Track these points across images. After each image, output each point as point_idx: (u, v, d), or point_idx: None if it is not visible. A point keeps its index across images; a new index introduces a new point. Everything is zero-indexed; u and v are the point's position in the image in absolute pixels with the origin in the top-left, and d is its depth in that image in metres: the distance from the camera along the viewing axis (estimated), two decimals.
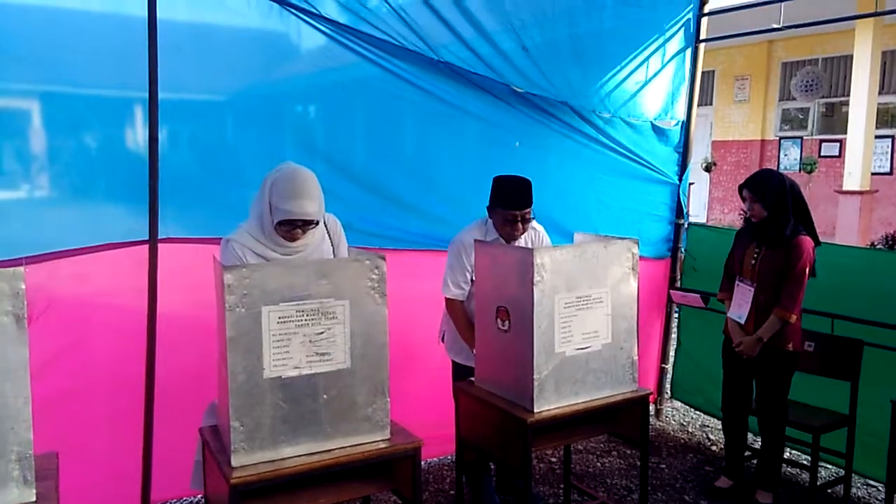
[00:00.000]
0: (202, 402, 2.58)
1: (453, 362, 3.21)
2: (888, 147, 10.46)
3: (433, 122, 3.55)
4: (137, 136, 2.90)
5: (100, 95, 2.85)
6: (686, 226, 4.35)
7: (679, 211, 4.32)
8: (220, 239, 2.48)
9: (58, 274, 2.78)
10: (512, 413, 2.57)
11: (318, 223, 2.44)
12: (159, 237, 2.85)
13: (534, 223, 3.12)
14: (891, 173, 10.49)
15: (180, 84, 2.90)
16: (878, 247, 7.81)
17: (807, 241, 3.14)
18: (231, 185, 3.06)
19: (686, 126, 4.27)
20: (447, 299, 3.12)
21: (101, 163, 2.89)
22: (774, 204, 3.13)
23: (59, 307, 2.78)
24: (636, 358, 2.77)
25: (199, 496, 3.07)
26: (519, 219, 2.94)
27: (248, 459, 2.06)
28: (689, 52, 4.22)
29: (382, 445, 2.22)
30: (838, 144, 11.21)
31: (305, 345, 2.11)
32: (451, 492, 3.40)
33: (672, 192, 4.30)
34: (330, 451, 2.17)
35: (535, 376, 2.52)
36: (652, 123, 4.14)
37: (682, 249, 4.37)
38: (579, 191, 3.99)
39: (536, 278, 2.48)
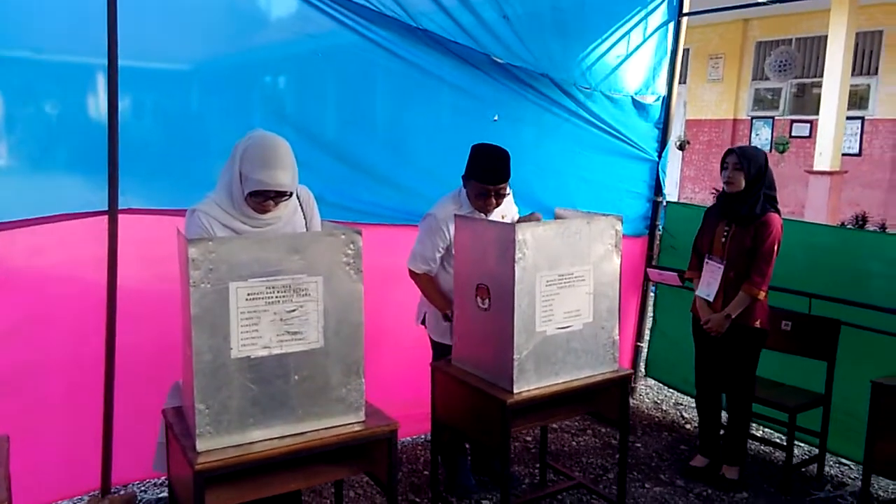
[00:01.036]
0: (165, 381, 2.47)
1: (434, 343, 3.11)
2: (857, 128, 10.56)
3: (410, 92, 3.43)
4: (99, 104, 2.73)
5: (60, 61, 2.69)
6: (664, 203, 4.30)
7: (658, 188, 4.27)
8: (185, 210, 2.34)
9: (13, 244, 2.64)
10: (491, 394, 2.49)
11: (291, 195, 2.32)
12: (119, 208, 2.73)
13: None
14: (859, 154, 10.61)
15: (145, 52, 2.77)
16: (848, 227, 7.90)
17: (776, 218, 3.12)
18: (197, 156, 2.92)
19: (667, 102, 4.20)
20: (411, 272, 3.02)
21: (60, 131, 2.75)
22: (754, 178, 3.10)
23: (14, 279, 2.66)
24: (617, 337, 2.71)
25: (163, 478, 2.96)
26: (493, 193, 2.85)
27: (213, 444, 1.95)
28: (671, 25, 4.13)
29: (357, 428, 2.13)
30: (809, 125, 11.28)
31: (276, 323, 2.00)
32: (426, 472, 3.33)
33: (651, 168, 4.24)
34: (302, 434, 2.07)
35: (515, 356, 2.44)
36: (632, 98, 4.06)
37: (660, 227, 4.32)
38: (558, 166, 3.90)
39: (518, 255, 2.39)
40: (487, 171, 2.82)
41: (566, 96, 3.81)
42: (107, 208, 2.69)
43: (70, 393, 2.81)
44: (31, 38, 2.60)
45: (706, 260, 3.24)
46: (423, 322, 3.16)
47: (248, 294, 1.95)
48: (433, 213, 2.96)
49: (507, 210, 3.08)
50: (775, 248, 3.07)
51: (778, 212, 3.13)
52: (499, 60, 3.53)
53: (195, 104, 3.05)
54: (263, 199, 2.25)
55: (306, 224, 2.49)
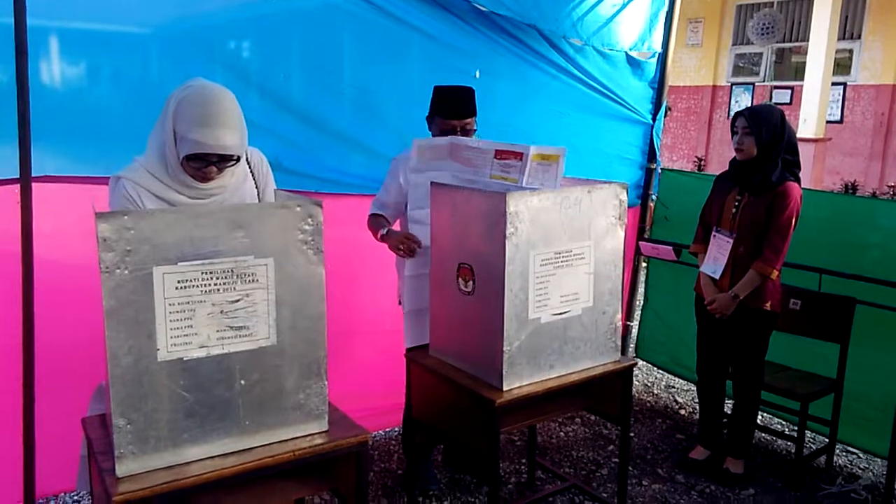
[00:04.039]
0: (93, 376, 2.07)
1: None
2: (839, 95, 10.32)
3: (380, 44, 3.03)
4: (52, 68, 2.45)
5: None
6: (659, 171, 3.95)
7: (651, 154, 3.92)
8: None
9: None
10: (476, 391, 2.14)
11: (238, 159, 1.91)
12: (36, 175, 2.30)
13: None
14: (841, 122, 10.40)
15: (103, 14, 2.47)
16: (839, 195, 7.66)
17: (795, 187, 2.79)
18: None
19: (663, 59, 3.84)
20: (368, 216, 2.74)
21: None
22: (768, 143, 2.76)
23: None
24: (620, 323, 2.37)
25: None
26: (458, 129, 2.58)
27: (137, 466, 1.58)
28: None
29: (318, 441, 1.76)
30: (790, 91, 11.03)
31: (215, 317, 1.61)
32: (399, 471, 2.99)
33: (645, 132, 3.88)
34: (250, 449, 1.70)
35: (504, 348, 2.09)
36: (627, 54, 3.68)
37: (653, 197, 3.98)
38: (545, 129, 3.53)
39: (509, 230, 2.03)
40: (451, 107, 2.58)
41: (555, 51, 3.42)
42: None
43: None
44: None
45: (713, 233, 2.91)
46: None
47: (179, 281, 1.56)
48: (393, 157, 2.72)
49: None
50: (793, 221, 2.75)
51: (798, 180, 2.80)
52: (482, 8, 3.13)
53: (155, 69, 2.66)
54: (203, 164, 1.85)
55: (259, 194, 2.10)
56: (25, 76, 2.21)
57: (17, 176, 2.26)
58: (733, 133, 2.82)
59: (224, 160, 1.87)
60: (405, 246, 2.49)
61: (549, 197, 2.11)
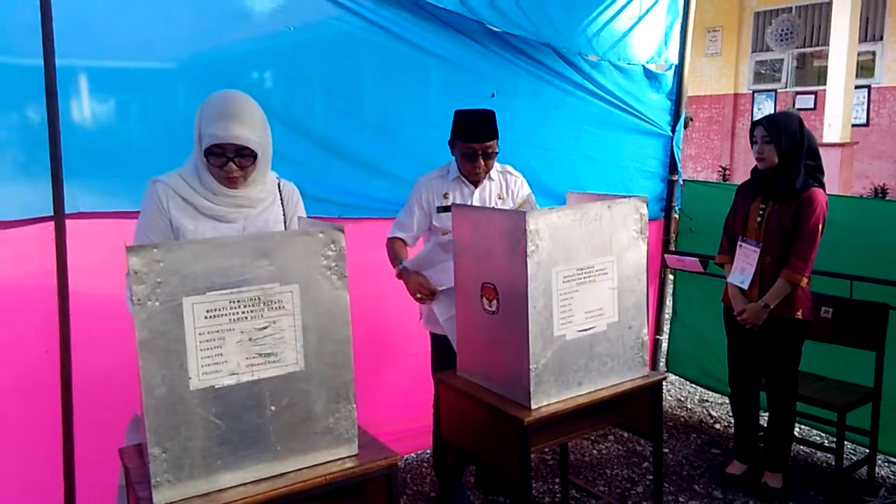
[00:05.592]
0: (131, 409, 2.11)
1: (431, 335, 2.77)
2: (864, 97, 10.19)
3: (397, 70, 3.09)
4: (82, 107, 2.50)
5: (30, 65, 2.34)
6: (681, 182, 3.94)
7: (672, 166, 3.91)
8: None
9: None
10: (505, 411, 2.14)
11: (257, 158, 1.96)
12: (70, 212, 2.37)
13: (510, 168, 2.81)
14: (867, 125, 10.25)
15: (130, 52, 2.54)
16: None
17: (820, 193, 2.76)
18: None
19: (680, 70, 3.84)
20: (387, 239, 2.77)
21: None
22: (788, 150, 2.74)
23: None
24: (646, 337, 2.36)
25: None
26: (479, 153, 2.60)
27: (173, 494, 1.60)
28: None
29: (349, 464, 1.78)
30: (813, 96, 10.92)
31: (244, 344, 1.64)
32: (433, 494, 2.98)
33: (665, 144, 3.88)
34: (283, 475, 1.72)
35: (531, 366, 2.09)
36: (644, 67, 3.69)
37: (677, 209, 3.96)
38: (563, 145, 3.55)
39: (530, 248, 2.04)
40: (471, 129, 2.60)
41: (570, 67, 3.45)
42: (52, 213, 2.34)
43: (22, 425, 2.46)
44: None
45: (739, 243, 2.89)
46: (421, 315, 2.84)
47: (208, 311, 1.60)
48: (418, 178, 2.76)
49: (512, 188, 2.77)
50: (819, 227, 2.72)
51: (822, 185, 2.78)
52: (494, 29, 3.17)
53: (180, 103, 2.72)
54: (223, 160, 1.90)
55: (285, 221, 2.14)
56: (56, 116, 2.30)
57: (51, 213, 2.34)
58: (753, 142, 2.81)
59: (243, 158, 1.92)
60: (421, 295, 2.57)
61: (568, 213, 2.12)
